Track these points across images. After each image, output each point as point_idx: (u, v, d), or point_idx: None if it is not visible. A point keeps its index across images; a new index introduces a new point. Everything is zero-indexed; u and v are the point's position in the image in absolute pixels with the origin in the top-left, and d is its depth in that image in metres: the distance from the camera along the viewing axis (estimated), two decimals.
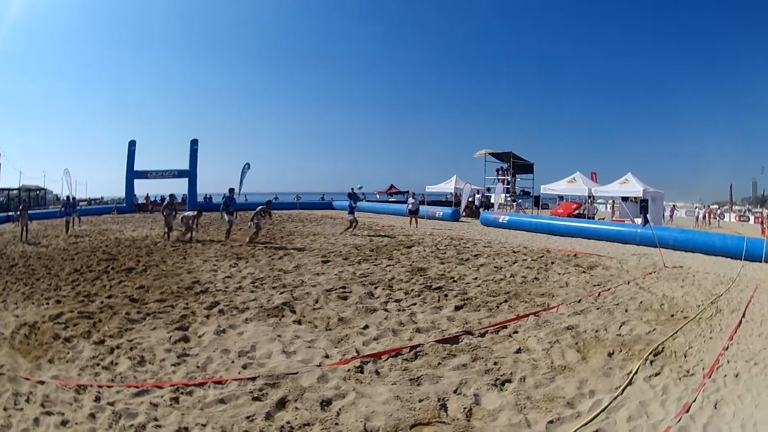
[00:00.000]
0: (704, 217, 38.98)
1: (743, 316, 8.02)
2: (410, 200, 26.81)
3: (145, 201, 43.63)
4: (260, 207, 17.33)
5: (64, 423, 4.37)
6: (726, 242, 15.77)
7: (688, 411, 4.65)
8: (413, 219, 25.59)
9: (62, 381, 5.29)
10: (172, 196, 19.49)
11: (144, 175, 42.61)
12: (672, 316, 8.04)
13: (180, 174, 43.46)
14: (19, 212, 20.18)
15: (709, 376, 5.48)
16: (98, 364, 5.82)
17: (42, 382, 5.21)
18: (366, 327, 7.42)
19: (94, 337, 6.77)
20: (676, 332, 7.06)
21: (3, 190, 52.11)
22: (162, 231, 19.33)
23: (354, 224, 21.17)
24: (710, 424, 4.43)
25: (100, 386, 5.17)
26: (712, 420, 4.49)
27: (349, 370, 5.66)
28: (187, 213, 18.61)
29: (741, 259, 14.21)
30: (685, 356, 6.15)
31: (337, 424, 4.47)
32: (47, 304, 8.64)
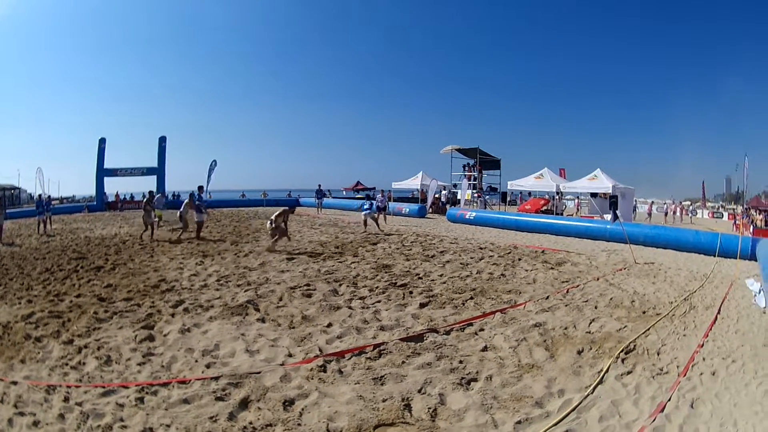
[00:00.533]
0: (674, 212, 39.35)
1: (718, 312, 8.01)
2: (378, 197, 26.60)
3: (114, 199, 43.25)
4: (283, 209, 16.13)
5: (35, 423, 4.38)
6: (699, 238, 15.69)
7: (663, 410, 4.60)
8: (381, 215, 25.05)
9: (33, 381, 5.30)
10: (151, 193, 18.77)
11: (114, 172, 42.42)
12: (644, 312, 8.00)
13: (149, 171, 43.52)
14: None
15: (684, 375, 5.44)
16: (67, 364, 5.79)
17: (15, 383, 5.22)
18: (329, 325, 7.32)
19: (63, 337, 6.74)
20: (649, 329, 7.02)
21: None
22: (139, 230, 18.70)
23: (372, 226, 20.39)
24: (687, 423, 4.37)
25: (68, 386, 5.16)
26: (688, 420, 4.43)
27: (312, 370, 5.59)
28: (182, 210, 18.13)
29: (715, 256, 14.21)
30: (659, 354, 6.11)
31: (299, 424, 4.41)
32: (19, 303, 8.57)
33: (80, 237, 19.01)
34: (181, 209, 17.96)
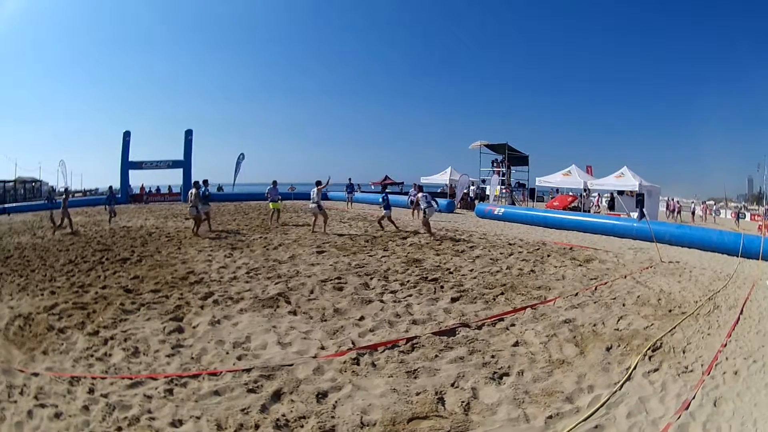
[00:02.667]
0: (676, 211, 39.83)
1: (741, 312, 7.99)
2: (412, 191, 25.51)
3: (139, 191, 43.38)
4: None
5: (57, 415, 4.36)
6: (723, 238, 15.59)
7: (687, 408, 4.65)
8: (415, 210, 24.34)
9: (56, 373, 5.28)
10: (196, 183, 17.79)
11: (139, 165, 42.29)
12: (669, 311, 8.01)
13: (175, 164, 43.13)
14: (62, 201, 19.02)
15: (708, 373, 5.48)
16: (92, 356, 5.80)
17: (36, 374, 5.21)
18: (362, 318, 7.38)
19: (88, 328, 6.75)
20: (675, 328, 7.04)
21: None
22: (191, 225, 17.72)
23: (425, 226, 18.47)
24: (710, 421, 4.43)
25: (93, 378, 5.15)
26: (711, 417, 4.49)
27: (345, 362, 5.63)
28: (311, 204, 17.67)
29: (738, 256, 14.12)
30: (684, 352, 6.14)
31: (333, 417, 4.44)
32: (42, 295, 8.60)
33: (104, 229, 19.11)
34: (311, 205, 17.76)
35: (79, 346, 6.09)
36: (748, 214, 46.54)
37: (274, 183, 21.80)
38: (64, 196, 19.85)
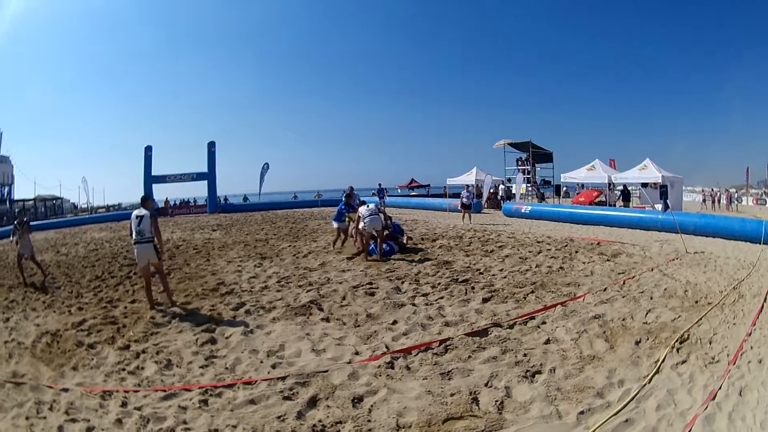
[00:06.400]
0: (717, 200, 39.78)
1: (765, 300, 7.97)
2: (463, 193, 24.95)
3: (164, 205, 43.67)
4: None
5: (89, 429, 4.46)
6: (745, 226, 15.60)
7: (714, 398, 4.70)
8: (467, 214, 23.78)
9: (87, 387, 5.37)
10: (347, 190, 15.55)
11: (163, 179, 42.87)
12: (696, 302, 8.03)
13: (199, 177, 43.75)
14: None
15: (734, 363, 5.50)
16: (124, 369, 5.92)
17: (66, 390, 5.30)
18: (395, 322, 7.47)
19: (118, 343, 6.88)
20: (701, 319, 7.08)
21: (18, 200, 52.96)
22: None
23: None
24: (736, 411, 4.48)
25: (126, 391, 5.25)
26: (737, 407, 4.54)
27: (379, 366, 5.73)
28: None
29: (760, 243, 14.07)
30: (710, 343, 6.18)
31: (369, 421, 4.54)
32: (69, 311, 8.72)
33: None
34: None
35: (110, 361, 6.20)
36: None
37: (351, 189, 20.17)
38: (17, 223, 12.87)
